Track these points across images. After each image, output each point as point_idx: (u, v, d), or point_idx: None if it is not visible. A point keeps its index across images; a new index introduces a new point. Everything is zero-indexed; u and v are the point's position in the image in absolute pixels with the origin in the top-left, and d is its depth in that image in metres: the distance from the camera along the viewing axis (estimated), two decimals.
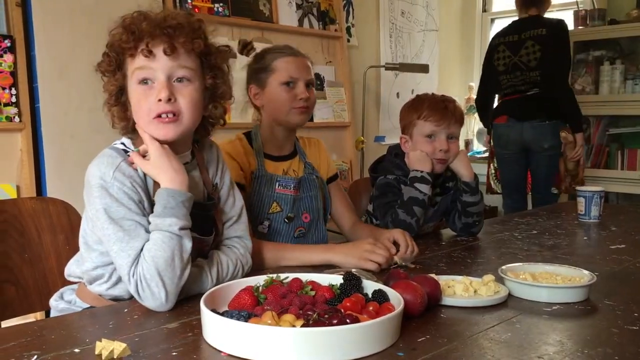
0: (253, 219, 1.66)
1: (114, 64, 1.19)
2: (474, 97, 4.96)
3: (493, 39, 3.62)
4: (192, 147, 1.31)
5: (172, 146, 1.21)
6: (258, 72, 1.72)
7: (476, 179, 1.84)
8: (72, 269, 1.31)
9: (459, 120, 1.81)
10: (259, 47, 3.30)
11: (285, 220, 1.70)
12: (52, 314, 1.32)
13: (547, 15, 3.48)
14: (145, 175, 1.20)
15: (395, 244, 1.53)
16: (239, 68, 1.98)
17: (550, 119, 3.38)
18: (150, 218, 1.15)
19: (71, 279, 1.32)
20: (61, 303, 1.31)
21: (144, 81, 1.17)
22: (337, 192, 1.85)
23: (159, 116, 1.17)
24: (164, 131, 1.18)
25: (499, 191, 3.89)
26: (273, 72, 1.69)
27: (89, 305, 1.26)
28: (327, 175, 1.85)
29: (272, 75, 1.69)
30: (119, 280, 1.21)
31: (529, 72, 3.39)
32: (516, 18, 3.57)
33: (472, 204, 1.82)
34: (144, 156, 1.19)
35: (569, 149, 3.48)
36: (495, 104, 3.71)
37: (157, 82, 1.17)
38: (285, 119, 1.69)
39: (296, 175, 1.75)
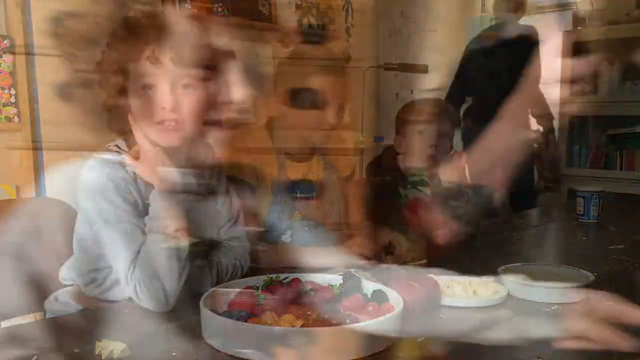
0: (275, 228, 1.62)
1: (115, 65, 1.17)
2: None
3: (470, 42, 3.62)
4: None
5: (167, 148, 1.19)
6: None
7: (458, 184, 1.83)
8: (66, 271, 1.30)
9: (451, 119, 1.81)
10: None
11: (306, 228, 1.67)
12: (47, 316, 1.31)
13: (526, 18, 3.47)
14: (136, 176, 1.18)
15: (391, 245, 1.51)
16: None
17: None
18: (146, 220, 1.14)
19: (65, 282, 1.31)
20: (56, 305, 1.30)
21: (146, 86, 1.15)
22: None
23: (162, 122, 1.16)
24: (166, 138, 1.17)
25: None
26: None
27: (83, 309, 1.25)
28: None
29: None
30: (113, 284, 1.20)
31: (503, 80, 3.37)
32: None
33: (457, 207, 1.81)
34: (137, 158, 1.18)
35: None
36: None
37: (160, 89, 1.15)
38: None
39: (316, 179, 1.70)
